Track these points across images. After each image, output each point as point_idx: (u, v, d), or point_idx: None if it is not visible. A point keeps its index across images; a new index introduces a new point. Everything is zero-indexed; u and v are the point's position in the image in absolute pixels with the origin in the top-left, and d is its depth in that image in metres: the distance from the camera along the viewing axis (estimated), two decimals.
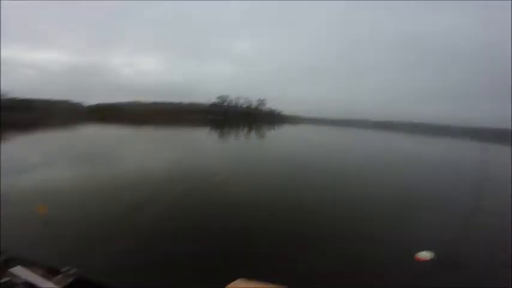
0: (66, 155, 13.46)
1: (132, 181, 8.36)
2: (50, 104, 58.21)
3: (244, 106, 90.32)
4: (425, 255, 4.14)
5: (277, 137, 34.41)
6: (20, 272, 1.68)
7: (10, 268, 1.71)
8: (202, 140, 24.21)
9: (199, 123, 49.67)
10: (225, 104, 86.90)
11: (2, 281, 1.59)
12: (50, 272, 1.85)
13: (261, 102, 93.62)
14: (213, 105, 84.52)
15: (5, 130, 24.92)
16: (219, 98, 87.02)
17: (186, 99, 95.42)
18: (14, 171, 8.81)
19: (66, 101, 65.83)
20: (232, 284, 1.28)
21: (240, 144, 21.70)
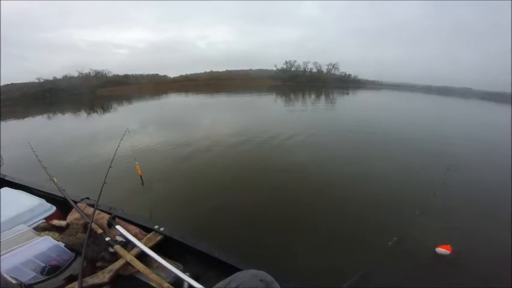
0: (159, 120, 16.19)
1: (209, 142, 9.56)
2: (141, 78, 68.91)
3: (314, 71, 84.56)
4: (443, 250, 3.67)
5: (348, 103, 31.65)
6: (121, 229, 2.07)
7: (116, 225, 2.13)
8: (269, 106, 24.52)
9: (269, 88, 49.95)
10: (292, 69, 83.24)
11: (107, 239, 1.95)
12: (144, 230, 2.14)
13: (333, 66, 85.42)
14: (281, 70, 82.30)
15: (107, 102, 31.76)
16: (286, 63, 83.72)
17: (255, 66, 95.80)
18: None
19: (155, 74, 75.96)
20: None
21: (304, 112, 21.03)
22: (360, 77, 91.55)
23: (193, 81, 69.89)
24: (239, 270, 1.68)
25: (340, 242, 3.98)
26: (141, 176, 5.69)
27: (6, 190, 2.73)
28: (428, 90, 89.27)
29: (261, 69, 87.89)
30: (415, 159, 8.17)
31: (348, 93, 45.67)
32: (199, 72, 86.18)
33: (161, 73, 79.44)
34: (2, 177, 3.35)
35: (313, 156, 8.22)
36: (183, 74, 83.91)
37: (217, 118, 16.09)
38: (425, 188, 5.73)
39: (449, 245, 3.67)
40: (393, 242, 3.74)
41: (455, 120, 19.73)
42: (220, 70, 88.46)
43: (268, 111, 20.16)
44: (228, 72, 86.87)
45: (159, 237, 2.05)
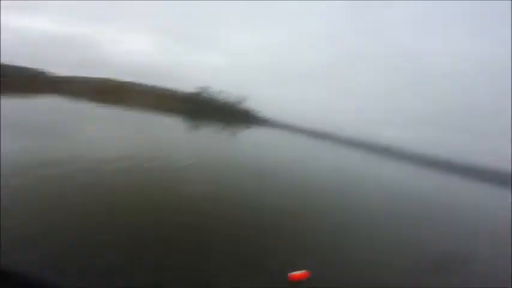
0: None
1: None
2: (20, 70, 53.42)
3: (225, 101, 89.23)
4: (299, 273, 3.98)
5: (248, 138, 35.03)
6: None
7: None
8: (172, 128, 24.12)
9: (176, 110, 48.79)
10: (205, 95, 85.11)
11: None
12: None
13: (243, 99, 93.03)
14: (193, 94, 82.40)
15: None
16: (200, 88, 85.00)
17: (168, 83, 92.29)
18: None
19: (41, 70, 60.92)
20: None
21: (209, 139, 22.00)
22: (265, 114, 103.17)
23: (87, 85, 59.70)
24: None
25: None
26: None
27: None
28: (312, 133, 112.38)
29: (171, 89, 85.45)
30: None
31: (252, 128, 50.28)
32: (98, 76, 75.09)
33: (51, 70, 64.40)
34: None
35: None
36: (76, 75, 70.91)
37: (110, 136, 14.49)
38: None
39: (303, 271, 4.02)
40: None
41: None
42: (126, 79, 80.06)
43: (167, 134, 19.91)
44: (133, 83, 79.59)
45: None
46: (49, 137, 11.34)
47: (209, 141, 22.03)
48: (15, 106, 21.65)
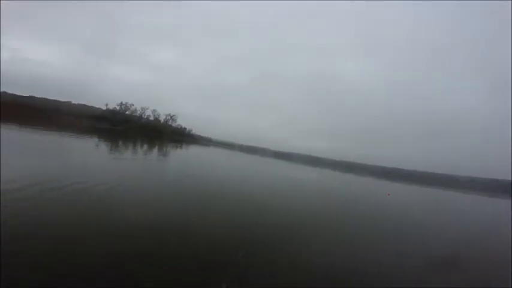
0: None
1: None
2: None
3: (151, 119, 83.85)
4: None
5: (180, 156, 33.96)
6: None
7: None
8: (87, 150, 21.07)
9: (91, 130, 42.58)
10: (127, 112, 77.82)
11: None
12: None
13: (171, 117, 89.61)
14: (112, 111, 73.73)
15: None
16: (121, 104, 77.19)
17: (79, 99, 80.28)
18: None
19: None
20: None
21: (134, 161, 20.23)
22: (193, 131, 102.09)
23: None
24: None
25: None
26: None
27: None
28: (242, 148, 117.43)
29: (84, 105, 74.90)
30: None
31: (181, 147, 48.94)
32: None
33: None
34: None
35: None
36: None
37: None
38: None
39: None
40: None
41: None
42: (24, 94, 65.17)
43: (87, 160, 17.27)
44: (33, 98, 65.85)
45: None
46: None
47: (135, 162, 20.43)
48: None
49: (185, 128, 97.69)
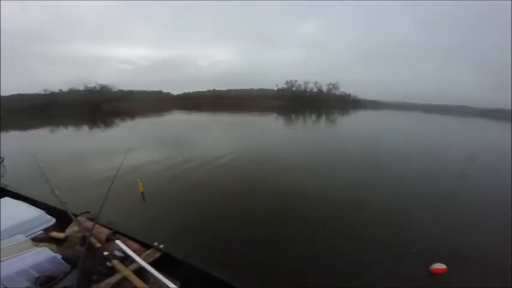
0: (160, 138, 16.30)
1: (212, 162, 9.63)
2: (145, 94, 70.25)
3: (314, 91, 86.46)
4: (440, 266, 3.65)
5: (349, 122, 31.99)
6: (121, 244, 2.10)
7: (115, 240, 2.15)
8: (271, 126, 24.77)
9: (269, 108, 50.73)
10: (293, 89, 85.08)
11: (106, 253, 1.97)
12: (144, 246, 2.16)
13: (333, 86, 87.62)
14: (281, 90, 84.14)
15: (111, 117, 32.09)
16: (287, 83, 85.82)
17: (256, 85, 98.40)
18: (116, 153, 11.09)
19: (159, 91, 77.79)
20: None
21: (307, 131, 21.25)
22: (359, 96, 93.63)
23: (196, 99, 71.33)
24: None
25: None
26: (142, 192, 5.65)
27: (6, 200, 2.74)
28: (427, 109, 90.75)
29: (262, 89, 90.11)
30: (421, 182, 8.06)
31: (348, 113, 46.33)
32: (202, 90, 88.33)
33: (165, 90, 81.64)
34: (3, 187, 3.37)
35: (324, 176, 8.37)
36: (186, 91, 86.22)
37: (219, 138, 16.24)
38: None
39: (443, 264, 3.64)
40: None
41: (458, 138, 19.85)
42: (222, 89, 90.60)
43: (270, 132, 20.21)
44: (229, 91, 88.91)
45: (158, 254, 2.05)
46: (178, 144, 13.51)
47: (312, 131, 20.99)
48: (151, 122, 27.97)
49: (349, 94, 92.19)
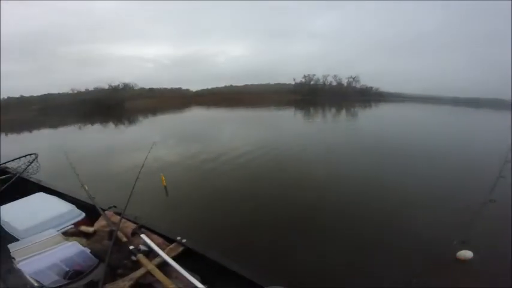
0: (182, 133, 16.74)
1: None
2: (166, 91, 72.27)
3: (334, 84, 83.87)
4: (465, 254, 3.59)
5: (370, 116, 30.76)
6: (145, 238, 2.13)
7: (140, 234, 2.18)
8: (289, 120, 24.48)
9: (287, 103, 50.10)
10: (311, 83, 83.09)
11: (131, 247, 2.00)
12: (167, 240, 2.18)
13: (353, 79, 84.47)
14: (299, 84, 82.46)
15: (134, 114, 33.39)
16: (304, 77, 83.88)
17: (274, 79, 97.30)
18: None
19: (178, 88, 79.63)
20: None
21: (327, 125, 20.75)
22: (381, 89, 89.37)
23: (214, 95, 72.23)
24: (259, 285, 1.60)
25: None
26: (165, 187, 5.79)
27: (41, 195, 2.91)
28: (456, 102, 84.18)
29: (279, 83, 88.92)
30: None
31: (370, 107, 44.52)
32: (220, 86, 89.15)
33: (184, 87, 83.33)
34: (38, 182, 3.57)
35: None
36: (205, 88, 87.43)
37: (238, 133, 16.35)
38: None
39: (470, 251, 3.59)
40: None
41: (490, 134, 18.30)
42: (239, 84, 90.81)
43: (288, 126, 19.99)
44: (246, 86, 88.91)
45: (181, 249, 2.07)
46: (200, 139, 13.77)
47: (330, 124, 20.51)
48: (172, 118, 28.78)
49: (371, 87, 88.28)
